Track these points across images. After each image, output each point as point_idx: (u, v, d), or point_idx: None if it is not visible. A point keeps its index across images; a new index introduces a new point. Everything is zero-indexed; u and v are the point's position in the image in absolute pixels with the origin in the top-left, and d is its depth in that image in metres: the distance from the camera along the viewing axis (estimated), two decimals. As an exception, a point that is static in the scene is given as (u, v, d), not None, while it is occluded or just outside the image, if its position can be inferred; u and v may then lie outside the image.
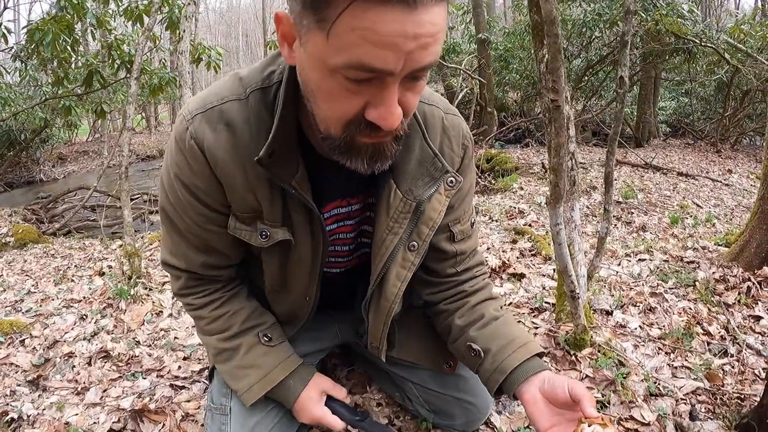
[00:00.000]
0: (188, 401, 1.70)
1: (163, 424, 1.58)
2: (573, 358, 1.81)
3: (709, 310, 2.35)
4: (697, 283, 2.59)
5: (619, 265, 2.83)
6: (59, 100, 7.51)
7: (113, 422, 1.65)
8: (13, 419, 1.68)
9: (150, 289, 2.72)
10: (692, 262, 2.94)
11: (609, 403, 1.60)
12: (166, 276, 2.92)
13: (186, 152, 0.96)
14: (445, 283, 1.28)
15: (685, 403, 1.65)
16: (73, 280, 3.29)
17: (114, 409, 1.73)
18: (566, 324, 1.97)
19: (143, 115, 19.43)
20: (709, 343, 2.07)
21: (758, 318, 2.26)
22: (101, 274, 3.27)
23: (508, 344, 1.15)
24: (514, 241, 3.26)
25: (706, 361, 1.89)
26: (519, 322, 1.31)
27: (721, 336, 2.15)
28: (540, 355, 1.15)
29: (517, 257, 2.94)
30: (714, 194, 6.12)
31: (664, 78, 12.40)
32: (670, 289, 2.53)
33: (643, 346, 1.98)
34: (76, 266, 3.74)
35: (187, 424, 1.58)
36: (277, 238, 1.05)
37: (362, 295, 1.27)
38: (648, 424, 1.54)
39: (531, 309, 2.26)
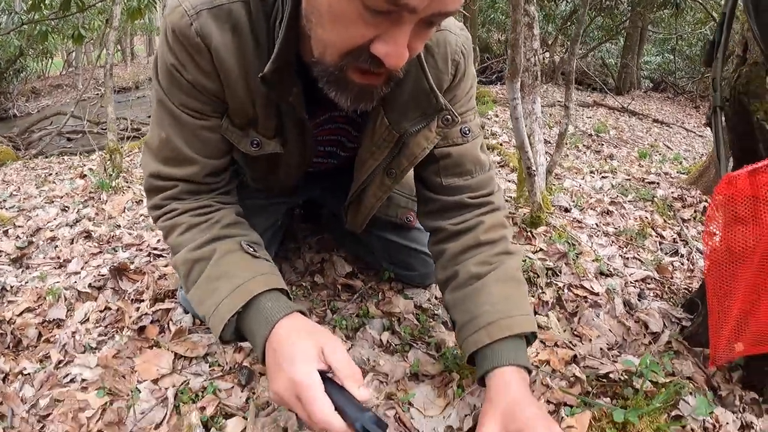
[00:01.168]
0: (166, 266, 1.79)
1: (142, 281, 1.67)
2: (529, 234, 1.95)
3: (665, 220, 2.50)
4: (655, 199, 2.75)
5: (582, 179, 2.97)
6: (35, 26, 7.25)
7: (94, 280, 1.74)
8: None
9: (131, 183, 2.79)
10: (653, 182, 3.09)
11: (560, 272, 1.73)
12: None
13: (190, 48, 0.91)
14: (431, 201, 1.19)
15: (634, 287, 1.79)
16: (54, 182, 3.34)
17: (93, 274, 1.82)
18: (525, 207, 2.10)
19: (119, 47, 18.92)
20: (661, 243, 2.23)
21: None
22: (83, 176, 3.31)
23: (470, 321, 1.03)
24: (485, 155, 3.40)
25: (657, 257, 2.04)
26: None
27: (674, 239, 2.30)
28: (518, 337, 1.01)
29: (486, 168, 3.07)
30: (686, 141, 6.29)
31: (651, 31, 12.42)
32: (629, 201, 2.68)
33: (597, 237, 2.13)
34: (56, 174, 3.78)
35: (163, 281, 1.68)
36: (269, 150, 1.05)
37: (340, 196, 1.32)
38: (597, 294, 1.69)
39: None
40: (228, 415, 1.13)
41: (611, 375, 1.25)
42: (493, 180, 1.19)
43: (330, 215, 1.69)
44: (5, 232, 2.35)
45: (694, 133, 6.99)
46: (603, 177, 3.05)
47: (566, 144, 4.13)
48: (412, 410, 1.10)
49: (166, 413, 1.18)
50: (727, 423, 1.12)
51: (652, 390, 1.18)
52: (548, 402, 1.15)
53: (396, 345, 1.34)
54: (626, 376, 1.24)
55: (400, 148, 1.08)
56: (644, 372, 1.17)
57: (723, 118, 1.18)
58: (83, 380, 1.33)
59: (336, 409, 0.78)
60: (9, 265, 2.02)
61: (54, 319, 1.58)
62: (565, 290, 1.66)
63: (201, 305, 0.96)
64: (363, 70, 0.78)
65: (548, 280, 1.70)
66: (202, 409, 1.15)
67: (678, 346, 1.39)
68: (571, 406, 1.13)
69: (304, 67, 0.92)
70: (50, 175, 3.71)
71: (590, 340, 1.45)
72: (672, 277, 1.88)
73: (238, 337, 0.97)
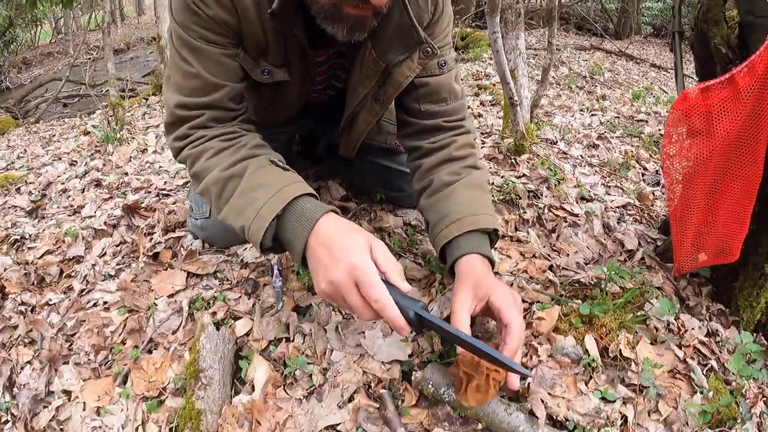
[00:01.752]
0: (174, 203, 1.92)
1: (153, 216, 1.80)
2: (513, 161, 2.07)
3: (650, 155, 2.59)
4: (642, 135, 2.83)
5: (572, 116, 3.06)
6: None
7: (108, 219, 1.87)
8: (16, 240, 1.89)
9: (134, 134, 2.90)
10: (642, 120, 3.17)
11: (541, 195, 1.85)
12: (149, 124, 3.09)
13: None
14: (411, 125, 1.33)
15: (614, 212, 1.89)
16: (59, 141, 3.45)
17: (108, 211, 1.95)
18: (509, 137, 2.22)
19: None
20: (644, 175, 2.32)
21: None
22: (86, 133, 3.42)
23: (441, 219, 1.18)
24: (477, 94, 3.49)
25: (639, 187, 2.13)
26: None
27: (656, 171, 2.39)
28: (478, 231, 1.14)
29: (478, 105, 3.17)
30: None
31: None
32: (616, 136, 2.77)
33: (581, 167, 2.23)
34: (60, 134, 3.88)
35: (172, 215, 1.81)
36: (278, 78, 1.19)
37: (335, 124, 1.45)
38: (576, 215, 1.80)
39: (482, 132, 2.52)
40: (237, 318, 1.28)
41: (582, 280, 1.39)
42: (465, 107, 1.34)
43: (325, 148, 1.81)
44: (17, 190, 2.48)
45: (692, 78, 6.92)
46: (593, 114, 3.14)
47: (559, 85, 4.19)
48: None
49: (181, 320, 1.33)
50: (693, 328, 1.23)
51: (619, 293, 1.31)
52: (523, 300, 1.28)
53: None
54: (596, 281, 1.37)
55: (386, 77, 1.21)
56: (612, 276, 1.31)
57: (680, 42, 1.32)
58: (105, 303, 1.48)
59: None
60: (25, 217, 2.15)
61: (74, 257, 1.72)
62: (546, 210, 1.78)
63: (239, 216, 1.01)
64: (354, 5, 0.91)
65: (529, 202, 1.82)
66: (214, 313, 1.30)
67: (651, 262, 1.49)
68: (542, 303, 1.27)
69: (305, 7, 1.04)
70: (54, 136, 3.80)
71: (567, 254, 1.58)
72: (652, 205, 1.97)
73: (276, 245, 1.01)
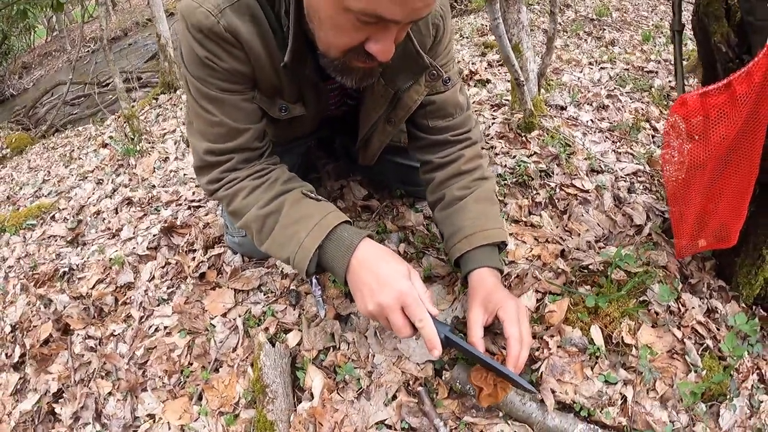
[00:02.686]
0: (206, 215, 2.18)
1: (190, 233, 2.06)
2: (523, 138, 2.27)
3: (661, 111, 2.73)
4: (652, 89, 2.96)
5: (581, 72, 3.20)
6: (12, 8, 7.37)
7: (149, 243, 2.13)
8: (65, 272, 2.14)
9: (153, 143, 3.14)
10: (652, 71, 3.29)
11: (553, 173, 2.05)
12: (165, 129, 3.32)
13: (222, 43, 1.11)
14: (421, 139, 1.49)
15: (624, 181, 2.06)
16: (80, 158, 3.68)
17: (147, 236, 2.21)
18: (519, 112, 2.42)
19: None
20: (653, 136, 2.47)
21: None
22: (104, 145, 3.67)
23: (455, 233, 1.37)
24: (483, 54, 3.63)
25: (649, 150, 2.29)
26: (483, 151, 1.52)
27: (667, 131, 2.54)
28: (488, 245, 1.33)
29: (485, 68, 3.32)
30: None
31: None
32: (626, 92, 2.92)
33: (592, 134, 2.41)
34: (78, 148, 4.11)
35: (208, 230, 2.07)
36: (295, 113, 1.34)
37: (349, 133, 1.63)
38: (587, 191, 1.97)
39: (491, 105, 2.70)
40: (286, 330, 1.56)
41: (591, 266, 1.57)
42: (471, 118, 1.51)
43: (342, 148, 2.03)
44: (53, 218, 2.72)
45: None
46: (602, 68, 3.27)
47: (566, 32, 4.29)
48: None
49: (238, 338, 1.61)
50: (693, 307, 1.39)
51: (624, 279, 1.46)
52: (536, 291, 1.52)
53: (411, 253, 1.73)
54: (603, 267, 1.52)
55: (396, 102, 1.37)
56: (618, 263, 1.49)
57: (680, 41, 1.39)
58: (165, 327, 1.75)
59: None
60: (67, 246, 2.40)
61: (124, 284, 1.98)
62: (557, 190, 1.96)
63: (283, 249, 1.18)
64: (362, 60, 1.03)
65: (541, 182, 2.01)
66: (266, 329, 1.57)
67: (657, 238, 1.62)
68: (555, 294, 1.49)
69: (313, 47, 1.12)
70: (73, 151, 4.03)
71: (579, 234, 1.77)
72: (662, 170, 2.11)
73: (319, 269, 1.19)
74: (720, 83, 1.07)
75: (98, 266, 2.12)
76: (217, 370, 1.57)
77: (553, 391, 1.27)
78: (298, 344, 1.52)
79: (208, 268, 1.87)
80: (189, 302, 1.80)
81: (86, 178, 3.12)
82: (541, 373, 1.30)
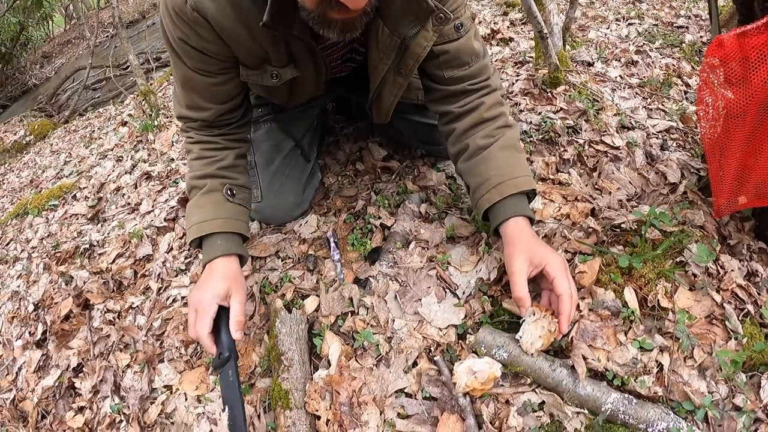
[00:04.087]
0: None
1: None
2: (549, 95, 2.14)
3: (693, 67, 2.55)
4: (683, 45, 2.77)
5: (608, 28, 3.02)
6: None
7: (167, 215, 2.07)
8: (86, 249, 2.12)
9: (171, 117, 3.07)
10: (682, 27, 3.08)
11: (581, 129, 1.92)
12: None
13: (191, 23, 1.12)
14: (437, 91, 1.40)
15: (656, 138, 1.92)
16: (100, 138, 3.64)
17: (165, 208, 2.15)
18: (543, 68, 2.28)
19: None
20: (686, 92, 2.31)
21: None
22: (124, 123, 3.61)
23: (482, 183, 1.29)
24: (505, 13, 3.46)
25: (682, 107, 2.13)
26: (507, 115, 1.39)
27: (700, 87, 2.37)
28: (518, 193, 1.26)
29: (507, 26, 3.16)
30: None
31: None
32: (655, 48, 2.74)
33: (621, 90, 2.26)
34: (98, 129, 4.07)
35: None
36: (287, 77, 1.30)
37: (362, 91, 1.54)
38: (617, 148, 1.85)
39: (515, 62, 2.56)
40: (304, 296, 1.48)
41: (623, 225, 1.47)
42: (489, 65, 1.40)
43: (358, 108, 1.93)
44: (74, 197, 2.69)
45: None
46: (629, 24, 3.08)
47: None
48: (450, 268, 1.43)
49: (255, 306, 1.53)
50: (732, 270, 1.29)
51: (659, 238, 1.36)
52: (566, 251, 1.42)
53: (433, 214, 1.63)
54: (636, 226, 1.45)
55: (404, 51, 1.27)
56: (652, 222, 1.38)
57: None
58: (182, 297, 1.70)
59: (217, 333, 1.25)
60: (88, 223, 2.38)
61: (143, 257, 1.94)
62: (586, 147, 1.84)
63: (187, 219, 1.36)
64: (336, 11, 0.96)
65: (569, 138, 1.89)
66: (283, 295, 1.49)
67: (693, 197, 1.52)
68: (585, 254, 1.38)
69: (296, 5, 1.08)
70: (93, 132, 4.00)
71: (610, 192, 1.65)
72: (696, 127, 1.96)
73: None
74: (759, 22, 0.98)
75: (118, 241, 2.08)
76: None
77: (584, 358, 1.16)
78: (316, 310, 1.44)
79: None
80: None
81: (106, 156, 3.07)
82: (572, 338, 1.20)
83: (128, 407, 1.47)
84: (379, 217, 1.61)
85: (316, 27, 1.04)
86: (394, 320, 1.34)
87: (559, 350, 1.21)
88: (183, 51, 1.21)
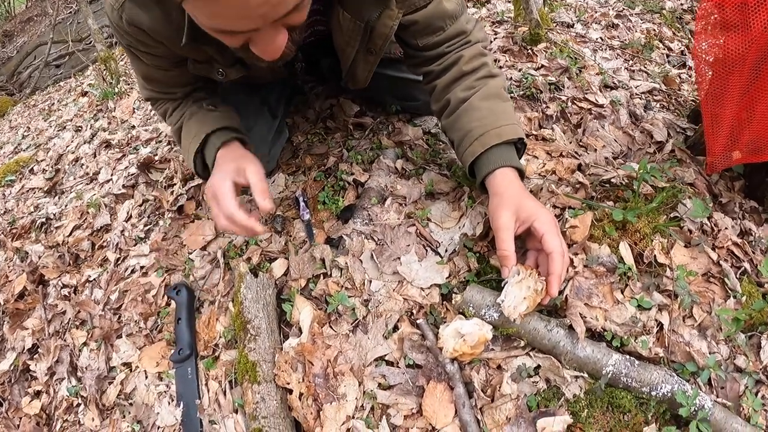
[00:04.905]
0: (188, 151, 1.92)
1: (169, 167, 1.81)
2: (529, 52, 2.00)
3: (673, 33, 2.45)
4: (663, 11, 2.66)
5: (586, -6, 2.89)
6: None
7: (125, 181, 1.88)
8: (42, 223, 1.94)
9: (132, 84, 2.85)
10: (662, -8, 2.98)
11: (563, 86, 1.79)
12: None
13: (131, 34, 1.07)
14: (415, 57, 1.29)
15: (640, 99, 1.82)
16: (59, 110, 3.40)
17: (124, 174, 1.96)
18: (523, 26, 2.15)
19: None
20: (668, 56, 2.21)
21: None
22: (84, 94, 3.38)
23: (465, 137, 1.16)
24: (481, -25, 3.30)
25: (664, 70, 2.03)
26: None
27: (682, 51, 2.27)
28: (504, 143, 1.12)
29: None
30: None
31: None
32: (636, 14, 2.62)
33: (602, 51, 2.13)
34: (58, 101, 3.82)
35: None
36: (233, 77, 1.20)
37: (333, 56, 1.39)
38: (601, 106, 1.74)
39: (492, 22, 2.39)
40: (271, 260, 1.31)
41: (613, 180, 1.36)
42: (467, 23, 1.24)
43: (329, 68, 1.75)
44: (31, 171, 2.49)
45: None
46: (609, -11, 2.95)
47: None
48: (431, 225, 1.27)
49: (219, 272, 1.37)
50: (726, 228, 1.21)
51: (651, 193, 1.28)
52: (554, 206, 1.28)
53: (410, 170, 1.47)
54: (627, 181, 1.34)
55: (370, 32, 1.16)
56: (644, 176, 1.26)
57: None
58: (141, 267, 1.53)
59: (178, 327, 1.20)
60: (45, 197, 2.19)
61: (101, 227, 1.77)
62: (569, 103, 1.72)
63: (183, 151, 1.28)
64: (257, 57, 0.88)
65: (551, 95, 1.76)
66: (248, 259, 1.33)
67: (681, 155, 1.44)
68: (575, 209, 1.25)
69: None
70: (53, 105, 3.75)
71: (595, 150, 1.54)
72: (679, 89, 1.89)
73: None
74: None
75: (75, 213, 1.90)
76: (197, 309, 1.33)
77: (582, 317, 1.03)
78: (285, 274, 1.28)
79: (187, 200, 1.62)
80: (167, 238, 1.56)
81: (65, 127, 2.85)
82: (566, 296, 1.06)
83: (85, 389, 1.31)
84: (352, 173, 1.44)
85: (249, 60, 1.02)
86: (371, 281, 1.18)
87: (552, 310, 1.07)
88: (134, 53, 1.16)
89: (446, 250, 1.20)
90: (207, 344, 1.25)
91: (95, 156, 2.29)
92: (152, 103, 1.36)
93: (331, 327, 1.12)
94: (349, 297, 1.15)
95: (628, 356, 1.01)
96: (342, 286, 1.18)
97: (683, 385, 0.96)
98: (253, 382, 1.09)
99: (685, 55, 2.21)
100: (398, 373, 1.04)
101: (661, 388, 0.97)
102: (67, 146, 2.56)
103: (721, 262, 1.15)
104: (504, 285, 1.00)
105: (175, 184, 1.72)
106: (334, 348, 1.08)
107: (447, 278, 1.14)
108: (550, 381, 1.00)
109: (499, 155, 1.11)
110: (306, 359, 1.07)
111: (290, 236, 1.35)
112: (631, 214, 1.19)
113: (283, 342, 1.13)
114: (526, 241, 1.11)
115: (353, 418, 1.01)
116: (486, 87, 1.19)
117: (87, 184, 2.11)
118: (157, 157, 1.89)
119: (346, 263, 1.21)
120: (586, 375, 1.00)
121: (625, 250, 1.16)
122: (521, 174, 1.12)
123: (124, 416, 1.26)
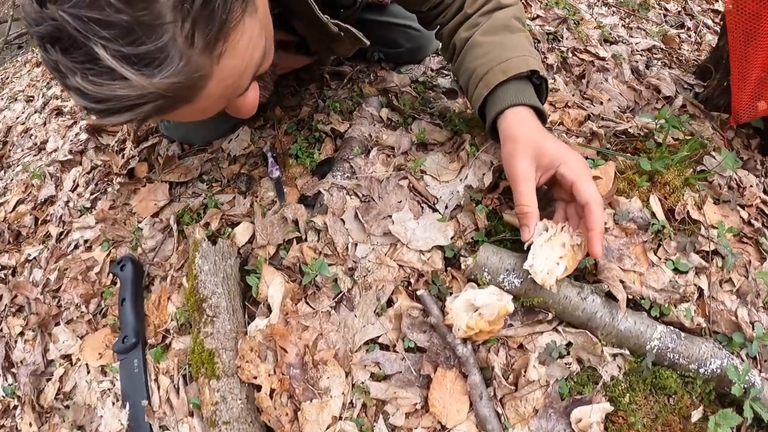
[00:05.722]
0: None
1: (122, 129, 1.52)
2: (523, 2, 1.77)
3: (669, -5, 2.27)
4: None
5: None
6: None
7: (73, 147, 1.60)
8: None
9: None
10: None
11: (562, 38, 1.57)
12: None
13: None
14: (420, 18, 1.13)
15: (641, 55, 1.62)
16: (12, 81, 3.06)
17: (73, 139, 1.68)
18: None
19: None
20: (665, 16, 2.01)
21: (717, 11, 2.20)
22: (38, 64, 3.06)
23: (470, 79, 0.95)
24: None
25: (662, 29, 1.84)
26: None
27: (678, 12, 2.09)
28: (514, 79, 0.88)
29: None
30: None
31: None
32: (629, -28, 2.41)
33: (598, 7, 1.92)
34: (13, 74, 3.47)
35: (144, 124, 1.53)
36: None
37: None
38: (603, 59, 1.53)
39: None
40: (234, 224, 1.04)
41: (630, 130, 1.14)
42: None
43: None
44: (-22, 147, 2.18)
45: None
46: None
47: None
48: (426, 178, 1.00)
49: (173, 243, 1.10)
50: (751, 186, 1.04)
51: (674, 144, 1.07)
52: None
53: (397, 120, 1.21)
54: (645, 131, 1.13)
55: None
56: (665, 126, 1.05)
57: None
58: (86, 241, 1.26)
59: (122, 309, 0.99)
60: None
61: (46, 199, 1.49)
62: (570, 54, 1.51)
63: None
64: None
65: (550, 45, 1.54)
66: (206, 225, 1.06)
67: (693, 110, 1.27)
68: (593, 160, 1.02)
69: None
70: (7, 79, 3.41)
71: (601, 102, 1.33)
72: (680, 48, 1.72)
73: None
74: None
75: (19, 186, 1.61)
76: (146, 287, 1.07)
77: (622, 282, 0.79)
78: (250, 241, 1.00)
79: (140, 161, 1.34)
80: (115, 206, 1.28)
81: (16, 99, 2.54)
82: (595, 261, 0.83)
83: (20, 387, 1.06)
84: (330, 123, 1.17)
85: None
86: (356, 245, 0.91)
87: (580, 276, 0.84)
88: None
89: (447, 206, 0.94)
90: (157, 329, 0.99)
91: (45, 125, 1.99)
92: None
93: (308, 303, 0.85)
94: (330, 265, 0.88)
95: (672, 328, 0.80)
96: (320, 252, 0.90)
97: (732, 359, 0.78)
98: (210, 376, 0.83)
99: (682, 15, 2.04)
100: (396, 359, 0.78)
101: (710, 364, 0.78)
102: (17, 118, 2.24)
103: (752, 221, 0.99)
104: (529, 248, 0.76)
105: (126, 148, 1.44)
106: (312, 329, 0.82)
107: (452, 238, 0.88)
108: (583, 361, 0.78)
109: (508, 93, 0.87)
110: (277, 345, 0.82)
111: (256, 196, 1.08)
112: (660, 163, 0.97)
113: (248, 324, 0.87)
114: (553, 191, 0.87)
115: (341, 419, 0.75)
116: (491, 20, 0.96)
117: (35, 155, 1.81)
118: (108, 122, 1.61)
119: (325, 224, 0.93)
120: (626, 352, 0.77)
121: (655, 204, 0.94)
122: (540, 114, 0.87)
123: (63, 420, 0.99)
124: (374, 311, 0.82)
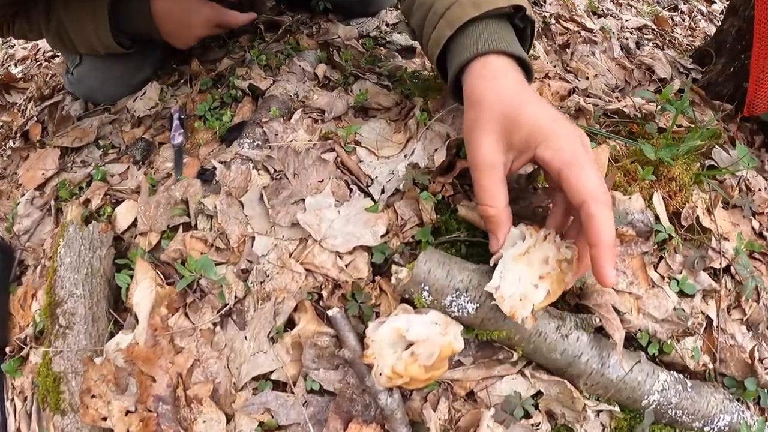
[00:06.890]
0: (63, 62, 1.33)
1: (31, 87, 1.22)
2: None
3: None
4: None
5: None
6: None
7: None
8: None
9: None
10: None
11: (545, 2, 1.34)
12: None
13: None
14: None
15: (630, 33, 1.41)
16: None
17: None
18: None
19: None
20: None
21: (711, 2, 1.99)
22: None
23: (426, 18, 0.67)
24: None
25: (654, 9, 1.62)
26: None
27: None
28: (485, 17, 0.60)
29: None
30: None
31: None
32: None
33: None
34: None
35: (53, 80, 1.23)
36: None
37: None
38: (591, 31, 1.30)
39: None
40: (118, 202, 0.76)
41: (625, 110, 0.88)
42: None
43: None
44: None
45: None
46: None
47: None
48: (360, 151, 0.71)
49: (50, 222, 0.82)
50: (760, 189, 0.85)
51: (678, 131, 0.82)
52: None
53: (336, 79, 0.92)
54: (645, 113, 0.87)
55: None
56: (668, 108, 0.81)
57: None
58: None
59: None
60: None
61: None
62: (553, 21, 1.28)
63: (86, 40, 0.89)
64: None
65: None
66: (87, 202, 0.77)
67: (694, 96, 1.05)
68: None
69: None
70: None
71: (587, 77, 1.09)
72: (672, 31, 1.52)
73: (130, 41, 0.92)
74: None
75: None
76: (17, 279, 0.79)
77: (617, 311, 0.54)
78: (134, 224, 0.72)
79: (36, 122, 1.05)
80: (5, 175, 0.99)
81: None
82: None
83: None
84: (250, 78, 0.88)
85: None
86: (253, 239, 0.63)
87: (558, 300, 0.57)
88: None
89: (383, 191, 0.65)
90: (17, 335, 0.72)
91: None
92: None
93: (186, 316, 0.58)
94: (218, 264, 0.60)
95: (676, 375, 0.57)
96: (211, 245, 0.63)
97: (743, 412, 0.60)
98: (54, 410, 0.57)
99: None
100: (294, 404, 0.52)
101: (718, 421, 0.58)
102: None
103: (764, 231, 0.80)
104: (495, 263, 0.49)
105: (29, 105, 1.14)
106: (188, 353, 0.56)
107: (383, 237, 0.60)
108: (556, 417, 0.52)
109: (478, 36, 0.58)
110: (140, 371, 0.55)
111: (152, 167, 0.80)
112: (666, 152, 0.73)
113: (109, 338, 0.60)
114: (546, 180, 0.60)
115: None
116: None
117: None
118: (20, 76, 1.30)
119: (218, 207, 0.65)
120: (616, 408, 0.52)
121: (660, 205, 0.70)
122: (525, 67, 0.58)
123: None
124: (268, 334, 0.55)
